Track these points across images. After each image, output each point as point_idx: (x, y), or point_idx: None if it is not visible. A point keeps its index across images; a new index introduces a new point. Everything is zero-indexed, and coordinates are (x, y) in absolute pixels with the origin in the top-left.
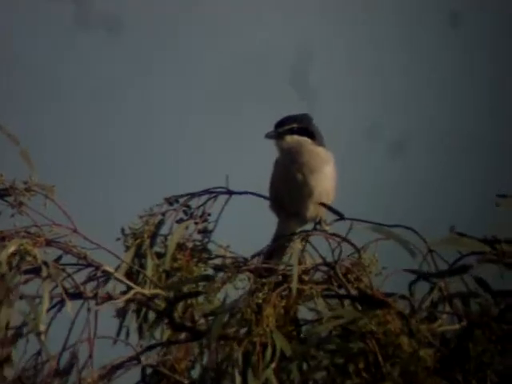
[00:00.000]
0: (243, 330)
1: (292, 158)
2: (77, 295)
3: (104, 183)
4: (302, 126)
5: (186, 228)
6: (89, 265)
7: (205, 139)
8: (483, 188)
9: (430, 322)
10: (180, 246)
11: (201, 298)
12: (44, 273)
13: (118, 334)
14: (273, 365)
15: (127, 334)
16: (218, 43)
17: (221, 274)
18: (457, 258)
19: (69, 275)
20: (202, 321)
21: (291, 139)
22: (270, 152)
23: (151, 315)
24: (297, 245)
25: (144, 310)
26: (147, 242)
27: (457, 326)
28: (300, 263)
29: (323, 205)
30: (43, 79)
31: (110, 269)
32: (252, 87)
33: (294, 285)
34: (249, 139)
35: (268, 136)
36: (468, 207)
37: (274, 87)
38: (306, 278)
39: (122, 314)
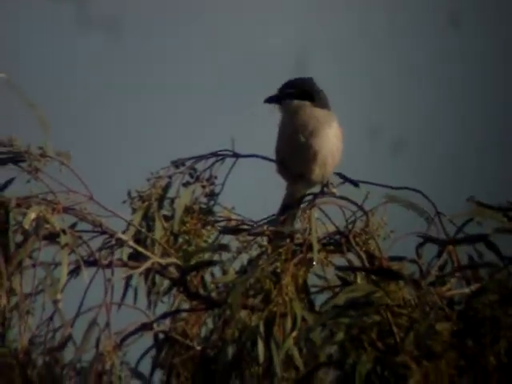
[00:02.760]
0: (259, 299)
1: (291, 122)
2: (92, 262)
3: (118, 151)
4: (302, 89)
5: (193, 191)
6: (104, 232)
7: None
8: (483, 188)
9: (439, 285)
10: (187, 209)
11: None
12: (62, 240)
13: (123, 298)
14: (294, 334)
15: (135, 299)
16: (217, 44)
17: (235, 243)
18: (464, 221)
19: (84, 242)
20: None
21: (290, 103)
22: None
23: (159, 280)
24: (313, 213)
25: (153, 274)
26: (155, 204)
27: (466, 290)
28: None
29: (338, 174)
30: (43, 79)
31: (124, 236)
32: (252, 87)
33: (315, 254)
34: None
35: (267, 100)
36: (467, 207)
37: (274, 88)
38: (318, 246)
39: (130, 278)
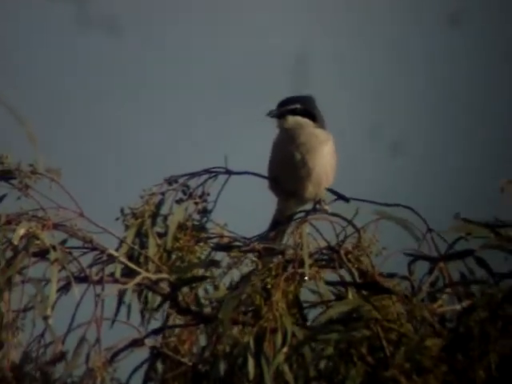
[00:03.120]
0: (250, 315)
1: (291, 138)
2: (82, 279)
3: (109, 167)
4: (304, 107)
5: (186, 208)
6: (94, 248)
7: (204, 129)
8: (482, 188)
9: (430, 301)
10: (180, 226)
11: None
12: (52, 256)
13: (116, 314)
14: (284, 349)
15: (128, 315)
16: (217, 44)
17: (226, 259)
18: (456, 239)
19: (74, 259)
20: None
21: (292, 119)
22: (269, 133)
23: (152, 297)
24: (305, 228)
25: (145, 291)
26: (148, 221)
27: (457, 307)
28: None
29: (329, 190)
30: (43, 80)
31: (116, 253)
32: (252, 88)
33: (306, 269)
34: (247, 126)
35: (270, 114)
36: (467, 207)
37: (274, 88)
38: (310, 261)
39: (122, 294)
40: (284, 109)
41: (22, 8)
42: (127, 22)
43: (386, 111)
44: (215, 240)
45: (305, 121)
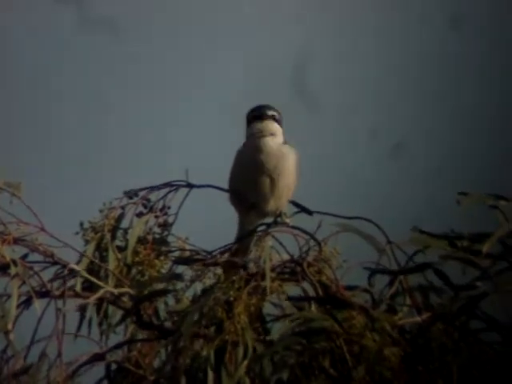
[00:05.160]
0: (212, 329)
1: (258, 149)
2: (44, 293)
3: (71, 181)
4: (279, 117)
5: (146, 222)
6: (55, 263)
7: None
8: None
9: (391, 314)
10: (141, 240)
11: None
12: (13, 271)
13: (79, 328)
14: (245, 363)
15: (89, 329)
16: (218, 45)
17: (189, 272)
18: (415, 251)
19: (36, 273)
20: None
21: (273, 126)
22: (230, 144)
23: (113, 310)
24: (267, 242)
25: (105, 305)
26: (108, 235)
27: (417, 319)
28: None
29: (292, 202)
30: (43, 81)
31: (77, 267)
32: (252, 89)
33: (268, 283)
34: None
35: (263, 113)
36: (490, 207)
37: (274, 88)
38: (273, 274)
39: (83, 308)
40: (270, 112)
41: (22, 9)
42: (127, 23)
43: (385, 113)
44: (176, 254)
45: (280, 131)
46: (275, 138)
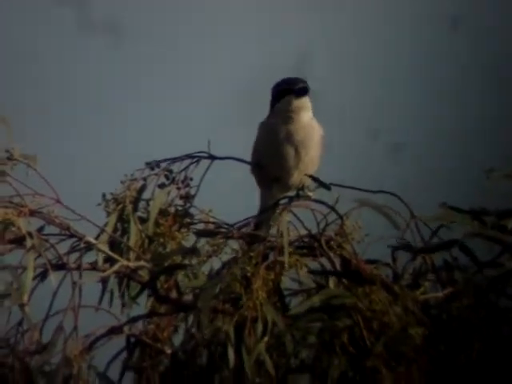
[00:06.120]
0: (231, 304)
1: (285, 124)
2: (60, 266)
3: (87, 153)
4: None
5: (168, 193)
6: (72, 235)
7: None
8: (483, 190)
9: (413, 289)
10: (162, 212)
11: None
12: (28, 243)
13: (100, 301)
14: (265, 339)
15: (110, 303)
16: (218, 46)
17: (206, 247)
18: (438, 226)
19: (52, 246)
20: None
21: (309, 101)
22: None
23: (133, 284)
24: (285, 216)
25: (126, 279)
26: (129, 207)
27: (439, 294)
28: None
29: (310, 176)
30: (43, 81)
31: (93, 240)
32: (252, 89)
33: (286, 258)
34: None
35: (306, 88)
36: (465, 207)
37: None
38: (291, 249)
39: (105, 281)
40: (296, 87)
41: (23, 10)
42: (128, 25)
43: (386, 113)
44: (198, 226)
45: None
46: (309, 112)
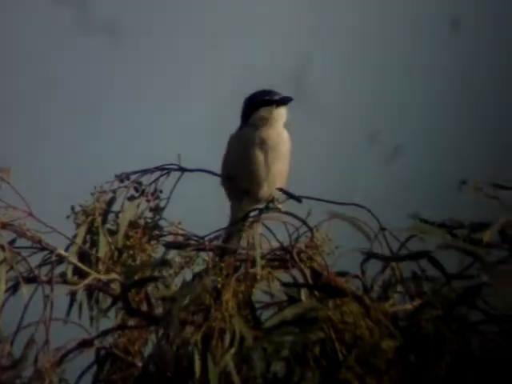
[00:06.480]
0: (201, 315)
1: (256, 135)
2: (31, 279)
3: (59, 165)
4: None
5: (138, 205)
6: (43, 248)
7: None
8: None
9: (382, 301)
10: (132, 224)
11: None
12: (0, 256)
13: (68, 314)
14: (232, 350)
15: (79, 315)
16: (217, 47)
17: (177, 259)
18: (408, 237)
19: (23, 258)
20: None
21: (283, 113)
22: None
23: (103, 296)
24: (257, 229)
25: (96, 291)
26: (99, 219)
27: (408, 306)
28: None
29: (280, 190)
30: (43, 82)
31: (65, 252)
32: (252, 89)
33: (259, 270)
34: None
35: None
36: (464, 208)
37: (274, 88)
38: (263, 262)
39: (73, 294)
40: (276, 98)
41: (22, 10)
42: (127, 25)
43: (384, 116)
44: (168, 238)
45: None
46: (282, 122)
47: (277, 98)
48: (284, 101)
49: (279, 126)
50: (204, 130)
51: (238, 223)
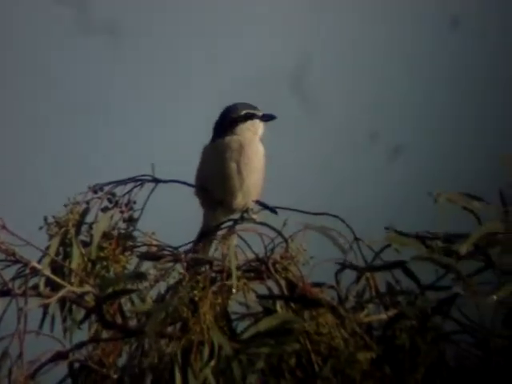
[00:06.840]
0: (178, 327)
1: (230, 147)
2: (5, 292)
3: (34, 178)
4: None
5: (112, 216)
6: (17, 261)
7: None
8: (482, 192)
9: (357, 311)
10: (106, 235)
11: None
12: None
13: (41, 326)
14: (212, 363)
15: (51, 328)
16: (217, 47)
17: (152, 271)
18: (382, 248)
19: None
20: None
21: (262, 128)
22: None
23: (76, 308)
24: (232, 240)
25: (69, 303)
26: (72, 230)
27: (384, 316)
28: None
29: (256, 202)
30: (43, 82)
31: (39, 265)
32: (252, 92)
33: (234, 282)
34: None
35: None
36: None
37: (274, 92)
38: (238, 273)
39: (46, 306)
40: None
41: (22, 10)
42: (127, 25)
43: (385, 116)
44: (142, 249)
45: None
46: (258, 137)
47: (260, 113)
48: (269, 118)
49: (256, 139)
50: (204, 130)
51: (210, 233)
